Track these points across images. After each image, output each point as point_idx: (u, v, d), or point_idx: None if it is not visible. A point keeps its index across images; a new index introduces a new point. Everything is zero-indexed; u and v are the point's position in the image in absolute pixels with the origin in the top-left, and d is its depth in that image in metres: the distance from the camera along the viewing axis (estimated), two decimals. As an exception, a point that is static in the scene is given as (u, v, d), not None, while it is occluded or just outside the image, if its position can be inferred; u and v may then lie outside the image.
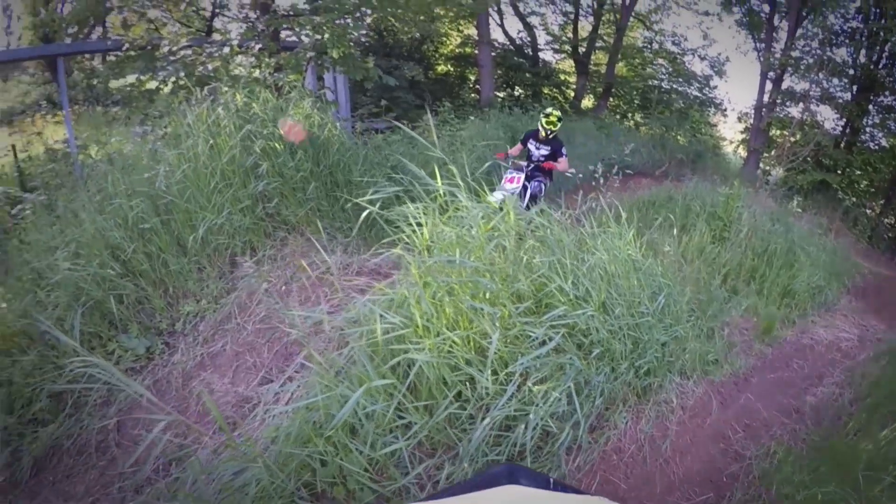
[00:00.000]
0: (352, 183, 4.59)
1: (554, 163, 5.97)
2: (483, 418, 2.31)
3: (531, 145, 6.21)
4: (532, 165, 5.99)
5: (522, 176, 5.75)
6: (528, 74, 15.28)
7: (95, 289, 3.83)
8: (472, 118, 10.03)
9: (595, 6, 15.33)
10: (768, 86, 14.24)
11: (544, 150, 6.10)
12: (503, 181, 5.69)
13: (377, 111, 8.42)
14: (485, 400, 2.39)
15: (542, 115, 6.11)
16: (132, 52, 6.44)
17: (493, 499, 1.21)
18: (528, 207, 5.50)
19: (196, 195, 3.94)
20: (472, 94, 14.57)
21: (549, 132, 6.03)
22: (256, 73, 5.02)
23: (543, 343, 2.57)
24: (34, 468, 3.28)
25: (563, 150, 6.03)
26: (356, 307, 2.57)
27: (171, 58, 5.55)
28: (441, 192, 2.73)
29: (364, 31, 6.00)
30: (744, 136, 15.67)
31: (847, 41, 13.90)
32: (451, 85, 15.04)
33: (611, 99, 16.26)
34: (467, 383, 2.42)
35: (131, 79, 6.86)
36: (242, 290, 3.73)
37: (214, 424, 3.15)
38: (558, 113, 6.08)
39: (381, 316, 2.37)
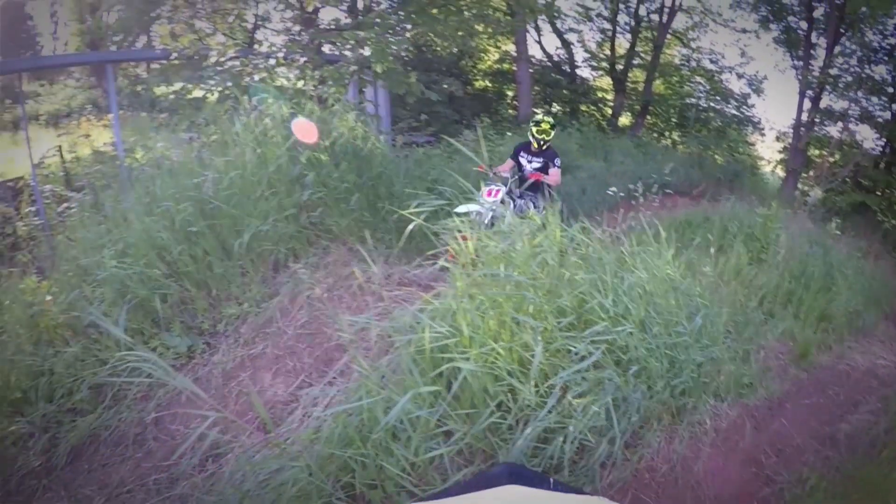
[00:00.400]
0: (393, 195, 4.67)
1: (543, 174, 5.29)
2: (524, 429, 2.34)
3: (522, 158, 5.54)
4: (516, 178, 5.36)
5: (503, 190, 5.12)
6: (565, 91, 15.27)
7: (141, 287, 3.94)
8: (509, 134, 10.08)
9: (633, 24, 15.30)
10: (807, 104, 13.99)
11: (536, 163, 5.46)
12: (481, 194, 5.08)
13: (417, 125, 8.56)
14: (525, 411, 2.43)
15: (531, 125, 5.48)
16: (177, 61, 6.70)
17: (493, 499, 1.21)
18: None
19: (243, 201, 4.07)
20: (510, 111, 14.63)
21: (542, 143, 5.43)
22: (300, 84, 5.18)
23: (583, 358, 2.60)
24: (70, 455, 3.38)
25: (557, 161, 5.42)
26: (404, 315, 2.64)
27: (219, 68, 5.77)
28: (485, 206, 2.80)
29: (405, 47, 6.13)
30: (782, 155, 15.38)
31: (886, 58, 13.60)
32: (489, 101, 15.06)
33: (648, 117, 16.14)
34: (508, 394, 2.46)
35: (176, 86, 7.13)
36: (285, 295, 3.83)
37: (253, 424, 3.24)
38: (550, 119, 5.52)
39: (429, 325, 2.43)
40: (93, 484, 3.22)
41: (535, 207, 5.17)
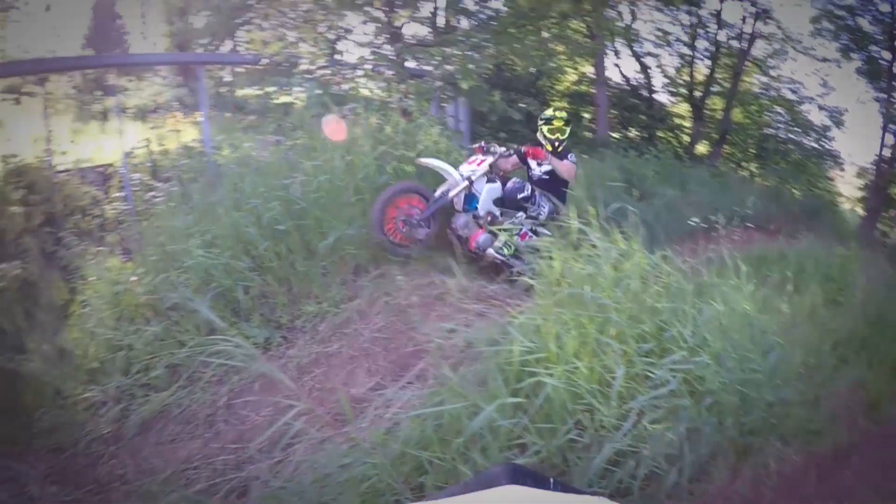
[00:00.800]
0: (475, 209, 4.74)
1: (550, 155, 4.58)
2: (600, 448, 2.39)
3: (532, 161, 4.81)
4: (507, 153, 4.76)
5: (489, 160, 4.54)
6: (642, 116, 15.06)
7: (225, 277, 4.16)
8: (584, 156, 10.04)
9: (713, 50, 14.99)
10: (889, 139, 13.28)
11: (547, 166, 4.71)
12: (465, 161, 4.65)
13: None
14: (600, 431, 2.47)
15: (541, 122, 4.72)
16: (265, 66, 7.09)
17: (492, 499, 1.19)
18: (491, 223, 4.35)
19: (330, 205, 4.27)
20: (586, 133, 14.55)
21: (556, 143, 4.68)
22: (386, 96, 5.40)
23: (660, 385, 2.62)
24: (140, 427, 3.58)
25: (572, 157, 4.67)
26: (492, 327, 2.74)
27: (308, 76, 6.09)
28: (573, 227, 2.87)
29: (487, 65, 6.28)
30: (863, 192, 14.67)
31: (973, 93, 12.84)
32: (566, 122, 15.06)
33: (725, 146, 15.72)
34: (587, 413, 2.51)
35: (262, 90, 7.54)
36: (364, 298, 3.98)
37: (326, 416, 3.37)
38: (565, 115, 4.73)
39: (519, 338, 2.52)
40: (160, 456, 3.39)
41: (524, 194, 4.60)
